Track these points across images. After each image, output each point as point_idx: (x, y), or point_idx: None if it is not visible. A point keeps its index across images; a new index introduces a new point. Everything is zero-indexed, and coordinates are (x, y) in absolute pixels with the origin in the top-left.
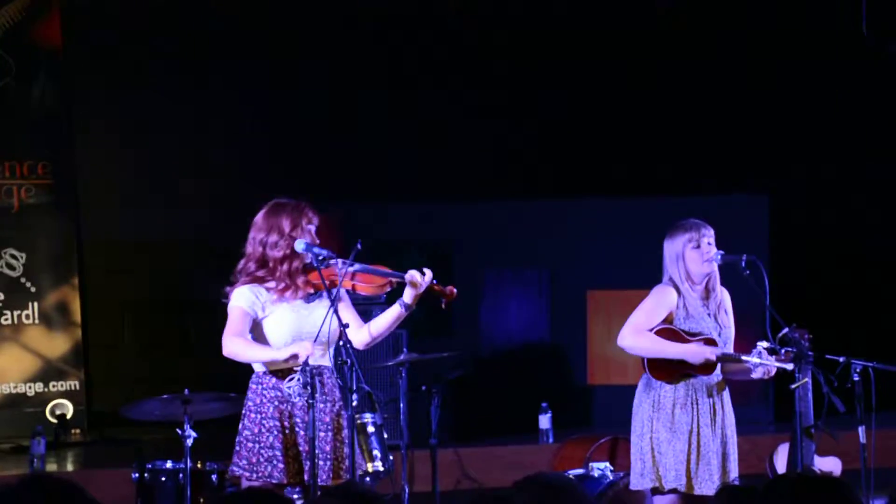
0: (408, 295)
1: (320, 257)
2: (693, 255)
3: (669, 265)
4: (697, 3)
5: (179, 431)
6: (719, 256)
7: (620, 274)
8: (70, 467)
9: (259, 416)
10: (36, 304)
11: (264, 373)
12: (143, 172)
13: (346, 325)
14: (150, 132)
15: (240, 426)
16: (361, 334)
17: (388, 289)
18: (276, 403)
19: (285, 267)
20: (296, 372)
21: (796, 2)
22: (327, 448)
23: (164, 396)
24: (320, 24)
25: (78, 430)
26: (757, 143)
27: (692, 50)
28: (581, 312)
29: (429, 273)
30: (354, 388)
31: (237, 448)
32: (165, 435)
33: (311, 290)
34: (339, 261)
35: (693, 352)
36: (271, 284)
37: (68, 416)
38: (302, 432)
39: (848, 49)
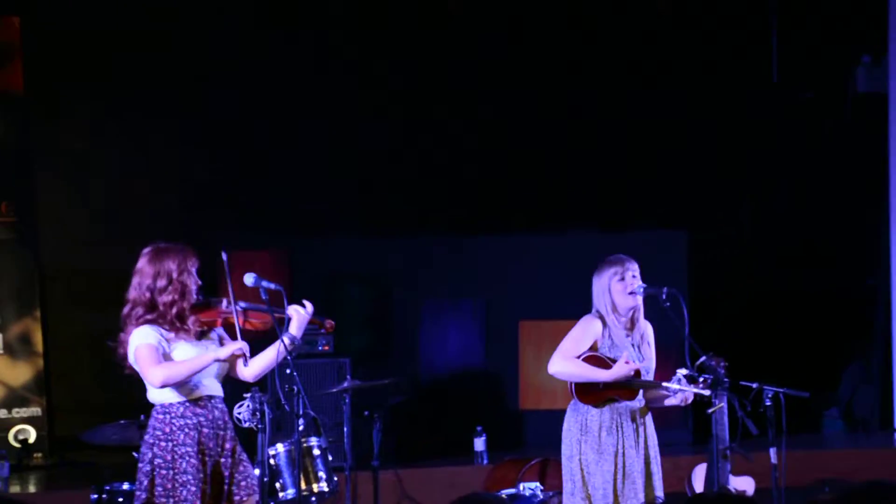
0: (293, 327)
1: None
2: (618, 287)
3: (597, 297)
4: (614, 45)
5: (136, 455)
6: (642, 289)
7: (550, 305)
8: (32, 489)
9: (171, 444)
10: (0, 336)
11: (177, 403)
12: (99, 209)
13: (244, 356)
14: (105, 172)
15: (145, 457)
16: (248, 370)
17: (272, 325)
18: (187, 431)
19: (175, 310)
20: (245, 399)
21: (711, 54)
22: (226, 473)
23: (122, 422)
24: (259, 55)
25: (40, 454)
26: (676, 183)
27: (613, 99)
28: (514, 341)
29: (309, 306)
30: (301, 413)
31: (144, 479)
32: (123, 458)
33: (201, 329)
34: (224, 301)
35: (617, 371)
36: (164, 327)
37: (31, 441)
38: (209, 460)
39: (760, 96)
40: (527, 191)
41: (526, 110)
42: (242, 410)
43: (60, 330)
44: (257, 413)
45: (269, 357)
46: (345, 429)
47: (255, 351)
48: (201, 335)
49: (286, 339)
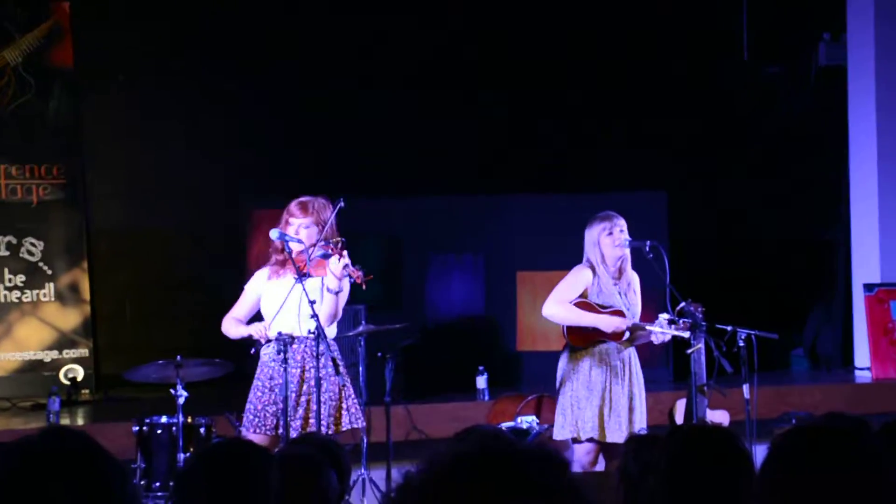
0: (329, 280)
1: (291, 244)
2: (607, 240)
3: (588, 249)
4: (608, 7)
5: (173, 391)
6: (627, 242)
7: (544, 258)
8: (81, 422)
9: (255, 379)
10: (52, 285)
11: (266, 341)
12: (142, 172)
13: (313, 302)
14: (147, 137)
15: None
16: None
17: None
18: (264, 368)
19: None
20: (272, 341)
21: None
22: (296, 405)
23: (160, 362)
24: (278, 22)
25: (87, 391)
26: (658, 149)
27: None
28: (511, 290)
29: (345, 260)
30: (322, 353)
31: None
32: (161, 394)
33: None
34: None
35: (606, 322)
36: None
37: (79, 379)
38: (276, 391)
39: (733, 69)
40: (523, 156)
41: (524, 78)
42: (269, 351)
43: (106, 280)
44: (280, 353)
45: (326, 308)
46: (360, 369)
47: None
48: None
49: (327, 290)
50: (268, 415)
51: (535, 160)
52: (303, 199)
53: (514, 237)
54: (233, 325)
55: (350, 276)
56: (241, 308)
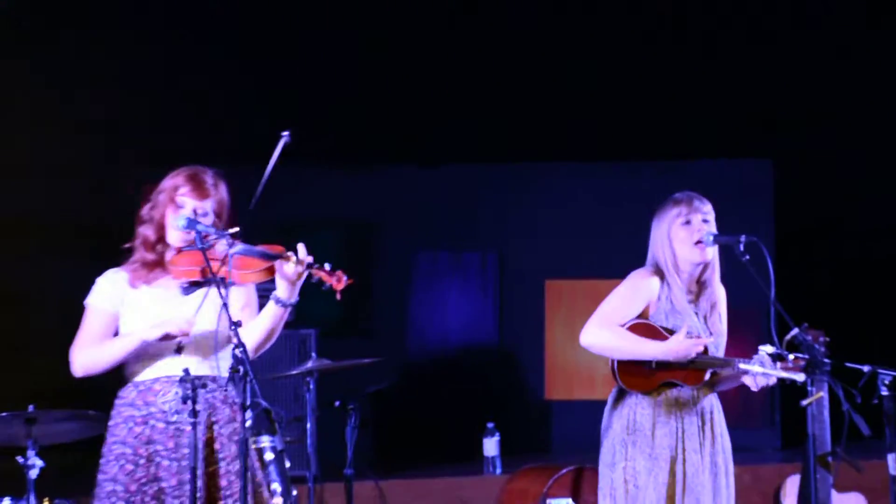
0: (281, 287)
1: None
2: (682, 233)
3: (655, 247)
4: None
5: (21, 459)
6: (711, 238)
7: (589, 259)
8: None
9: (112, 441)
10: None
11: (128, 383)
12: None
13: (237, 325)
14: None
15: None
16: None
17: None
18: (132, 425)
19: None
20: (172, 383)
21: None
22: (200, 483)
23: (3, 415)
24: None
25: None
26: (758, 99)
27: None
28: (537, 307)
29: (302, 252)
30: (249, 402)
31: (97, 486)
32: (3, 465)
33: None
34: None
35: (674, 348)
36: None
37: None
38: (165, 463)
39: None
40: (557, 105)
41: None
42: (169, 398)
43: None
44: (188, 402)
45: (260, 327)
46: (308, 425)
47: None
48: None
49: (274, 303)
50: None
51: (575, 111)
52: (191, 169)
53: (543, 227)
54: (106, 346)
55: (321, 281)
56: (93, 336)
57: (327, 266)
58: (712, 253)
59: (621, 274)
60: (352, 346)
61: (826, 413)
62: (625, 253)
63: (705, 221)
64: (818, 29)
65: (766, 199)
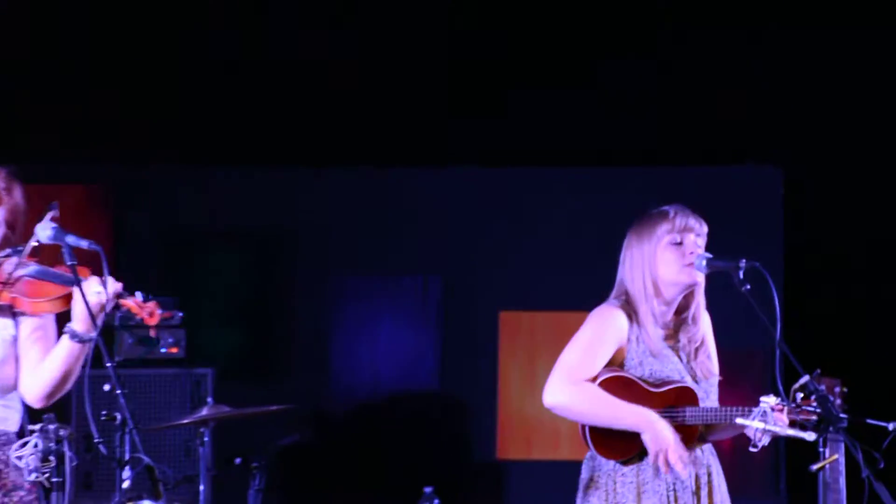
0: (78, 318)
1: None
2: (670, 256)
3: (630, 271)
4: None
5: None
6: (704, 262)
7: (555, 286)
8: None
9: None
10: None
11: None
12: None
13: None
14: None
15: None
16: (24, 387)
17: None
18: None
19: None
20: (32, 434)
21: None
22: None
23: None
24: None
25: None
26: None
27: None
28: (490, 345)
29: (112, 284)
30: (128, 459)
31: None
32: None
33: None
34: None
35: (646, 424)
36: None
37: None
38: None
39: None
40: (520, 100)
41: None
42: (25, 452)
43: None
44: (51, 458)
45: (51, 367)
46: (201, 487)
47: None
48: None
49: (69, 337)
50: None
51: (545, 110)
52: None
53: (499, 247)
54: None
55: (129, 314)
56: None
57: (139, 295)
58: (701, 279)
59: (591, 302)
60: (257, 390)
61: (842, 481)
62: (600, 279)
63: (699, 245)
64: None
65: (773, 214)
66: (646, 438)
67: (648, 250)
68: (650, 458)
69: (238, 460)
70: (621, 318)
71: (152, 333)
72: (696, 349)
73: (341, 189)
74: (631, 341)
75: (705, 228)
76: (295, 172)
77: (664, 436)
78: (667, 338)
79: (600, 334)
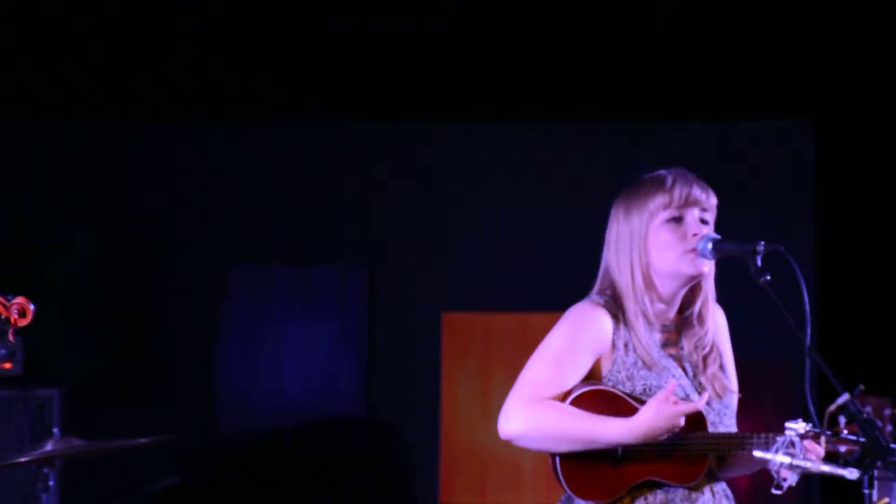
0: None
1: None
2: (666, 238)
3: (614, 258)
4: None
5: None
6: (710, 245)
7: (515, 280)
8: None
9: None
10: None
11: None
12: None
13: None
14: None
15: None
16: None
17: None
18: None
19: None
20: None
21: None
22: None
23: None
24: None
25: None
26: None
27: None
28: (429, 355)
29: None
30: None
31: None
32: None
33: None
34: None
35: (651, 421)
36: None
37: None
38: None
39: None
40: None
41: None
42: None
43: None
44: None
45: None
46: None
47: None
48: None
49: None
50: None
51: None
52: None
53: (440, 228)
54: None
55: None
56: None
57: None
58: (709, 267)
59: (558, 302)
60: (121, 418)
61: None
62: (578, 270)
63: (704, 221)
64: None
65: (802, 180)
66: (641, 436)
67: (638, 230)
68: (652, 430)
69: None
70: (603, 319)
71: (10, 338)
72: (705, 358)
73: (229, 152)
74: (617, 349)
75: (714, 200)
76: (173, 130)
77: (657, 417)
78: (666, 344)
79: (574, 341)
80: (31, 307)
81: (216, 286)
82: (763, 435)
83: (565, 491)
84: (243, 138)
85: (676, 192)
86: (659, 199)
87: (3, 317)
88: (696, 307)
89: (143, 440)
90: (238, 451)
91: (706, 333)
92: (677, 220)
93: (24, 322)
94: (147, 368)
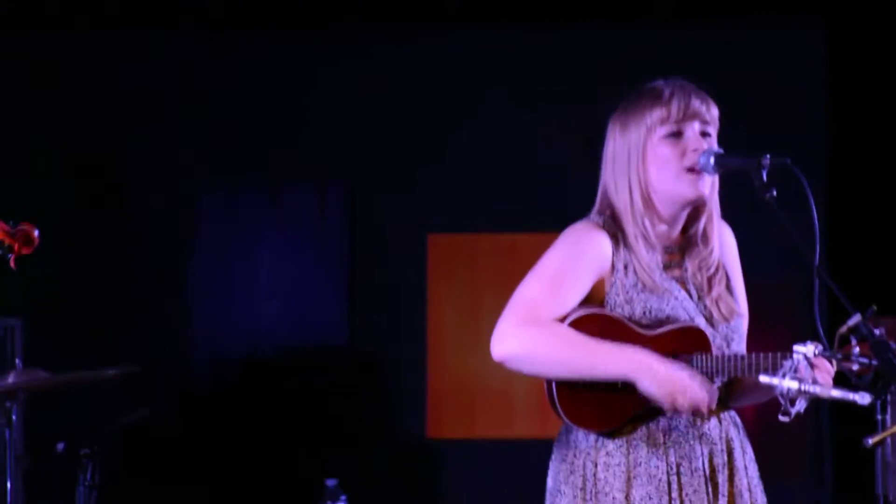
0: None
1: None
2: (665, 151)
3: (611, 177)
4: None
5: None
6: (713, 159)
7: (506, 200)
8: None
9: None
10: None
11: None
12: None
13: None
14: None
15: None
16: None
17: None
18: None
19: None
20: None
21: None
22: None
23: None
24: None
25: None
26: None
27: None
28: (415, 281)
29: None
30: None
31: None
32: None
33: None
34: None
35: (637, 366)
36: None
37: None
38: None
39: None
40: None
41: None
42: None
43: None
44: None
45: None
46: (7, 484)
47: None
48: None
49: None
50: None
51: None
52: None
53: (425, 144)
54: None
55: None
56: None
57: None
58: (711, 185)
59: (554, 222)
60: (86, 348)
61: None
62: (575, 190)
63: (706, 134)
64: None
65: (812, 92)
66: (645, 387)
67: (636, 146)
68: (666, 411)
69: (61, 446)
70: (603, 240)
71: (13, 266)
72: (710, 279)
73: (188, 58)
74: (617, 271)
75: (715, 111)
76: (143, 39)
77: (672, 376)
78: (669, 266)
79: (574, 260)
80: (36, 233)
81: (186, 206)
82: (771, 355)
83: (563, 420)
84: (214, 47)
85: (674, 105)
86: (657, 114)
87: (6, 244)
88: (700, 225)
89: (110, 371)
90: (211, 382)
91: (710, 253)
92: (676, 134)
93: (27, 251)
94: (113, 295)
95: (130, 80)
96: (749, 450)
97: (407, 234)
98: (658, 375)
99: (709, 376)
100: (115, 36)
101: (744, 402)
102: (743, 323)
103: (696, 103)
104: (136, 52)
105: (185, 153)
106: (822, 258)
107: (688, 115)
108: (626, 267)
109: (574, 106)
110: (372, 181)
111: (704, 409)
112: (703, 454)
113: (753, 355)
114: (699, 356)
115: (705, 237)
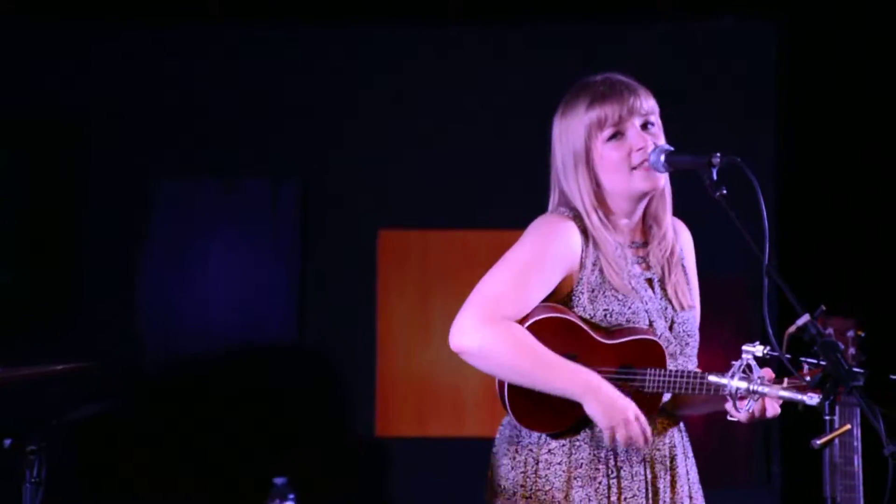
0: None
1: None
2: (610, 155)
3: (564, 182)
4: None
5: None
6: (663, 157)
7: (461, 195)
8: None
9: None
10: None
11: None
12: None
13: None
14: None
15: None
16: None
17: None
18: None
19: None
20: None
21: None
22: None
23: None
24: None
25: None
26: None
27: None
28: (366, 276)
29: None
30: None
31: None
32: None
33: None
34: None
35: (584, 390)
36: None
37: None
38: None
39: None
40: None
41: None
42: None
43: None
44: None
45: None
46: None
47: None
48: None
49: None
50: None
51: None
52: None
53: (379, 138)
54: None
55: None
56: None
57: None
58: (664, 180)
59: (521, 222)
60: (33, 342)
61: (857, 461)
62: (517, 184)
63: (648, 126)
64: None
65: (763, 88)
66: (590, 410)
67: (580, 153)
68: (605, 438)
69: (7, 442)
70: (574, 234)
71: None
72: (669, 261)
73: (150, 54)
74: (584, 268)
75: (651, 101)
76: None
77: (616, 407)
78: (638, 262)
79: (544, 253)
80: None
81: (137, 198)
82: (714, 375)
83: (510, 417)
84: (168, 39)
85: (610, 106)
86: (594, 116)
87: None
88: (652, 209)
89: (58, 366)
90: (160, 377)
91: (664, 235)
92: (618, 135)
93: None
94: (61, 289)
95: (77, 72)
96: (690, 454)
97: (358, 230)
98: (604, 403)
99: (660, 390)
100: (62, 24)
101: (694, 412)
102: (696, 315)
103: (631, 100)
104: (83, 44)
105: (137, 146)
106: (772, 257)
107: (624, 115)
108: (594, 264)
109: (527, 103)
110: (325, 177)
111: (640, 445)
112: (645, 460)
113: (704, 373)
114: (652, 371)
115: (657, 220)
